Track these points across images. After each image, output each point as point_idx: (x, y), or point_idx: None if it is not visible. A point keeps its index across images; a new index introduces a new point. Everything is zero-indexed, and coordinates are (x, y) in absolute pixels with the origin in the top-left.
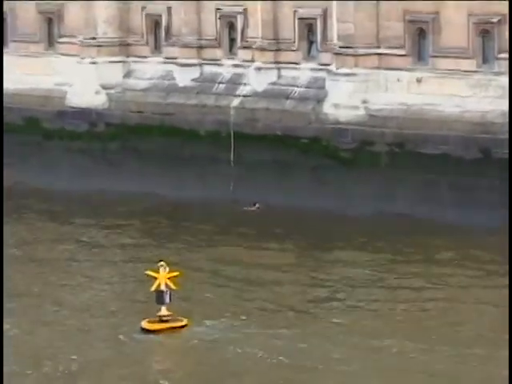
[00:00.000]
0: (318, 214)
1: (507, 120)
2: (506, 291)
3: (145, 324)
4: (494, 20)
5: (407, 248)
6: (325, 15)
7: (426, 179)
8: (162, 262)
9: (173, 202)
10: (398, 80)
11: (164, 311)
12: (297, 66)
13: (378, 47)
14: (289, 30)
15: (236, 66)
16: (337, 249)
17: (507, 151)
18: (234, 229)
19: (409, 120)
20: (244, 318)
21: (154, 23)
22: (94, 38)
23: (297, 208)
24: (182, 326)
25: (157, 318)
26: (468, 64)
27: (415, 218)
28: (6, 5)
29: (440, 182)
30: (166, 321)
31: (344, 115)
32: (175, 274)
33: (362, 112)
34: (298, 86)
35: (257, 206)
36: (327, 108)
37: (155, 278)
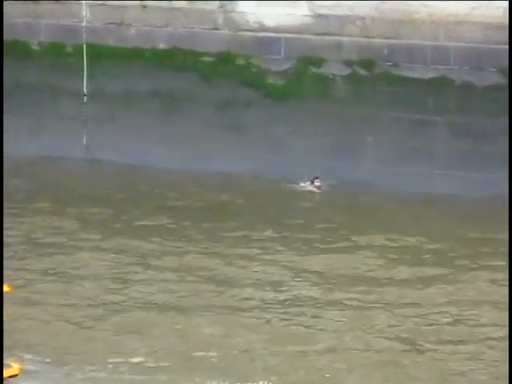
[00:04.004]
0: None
1: None
2: None
3: None
4: None
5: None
6: None
7: (413, 120)
8: None
9: None
10: None
11: None
12: None
13: None
14: None
15: None
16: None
17: None
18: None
19: (382, 22)
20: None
21: None
22: None
23: (200, 173)
24: (11, 377)
25: None
26: None
27: (395, 188)
28: None
29: (436, 123)
30: None
31: (273, 15)
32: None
33: (303, 10)
34: None
35: (317, 181)
36: (244, 3)
37: None
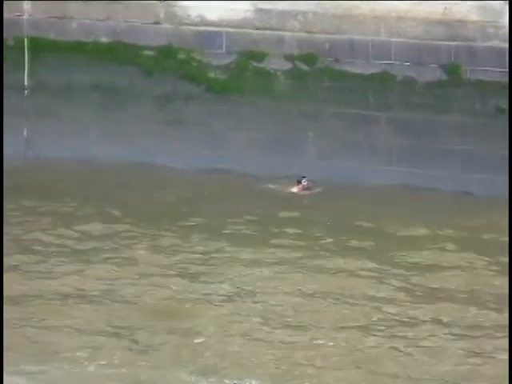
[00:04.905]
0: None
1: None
2: None
3: None
4: None
5: None
6: None
7: (354, 115)
8: None
9: None
10: None
11: None
12: None
13: None
14: None
15: None
16: None
17: (488, 68)
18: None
19: (324, 17)
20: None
21: None
22: None
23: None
24: None
25: None
26: None
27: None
28: None
29: (377, 118)
30: None
31: (215, 10)
32: None
33: (244, 4)
34: None
35: (304, 181)
36: None
37: None
